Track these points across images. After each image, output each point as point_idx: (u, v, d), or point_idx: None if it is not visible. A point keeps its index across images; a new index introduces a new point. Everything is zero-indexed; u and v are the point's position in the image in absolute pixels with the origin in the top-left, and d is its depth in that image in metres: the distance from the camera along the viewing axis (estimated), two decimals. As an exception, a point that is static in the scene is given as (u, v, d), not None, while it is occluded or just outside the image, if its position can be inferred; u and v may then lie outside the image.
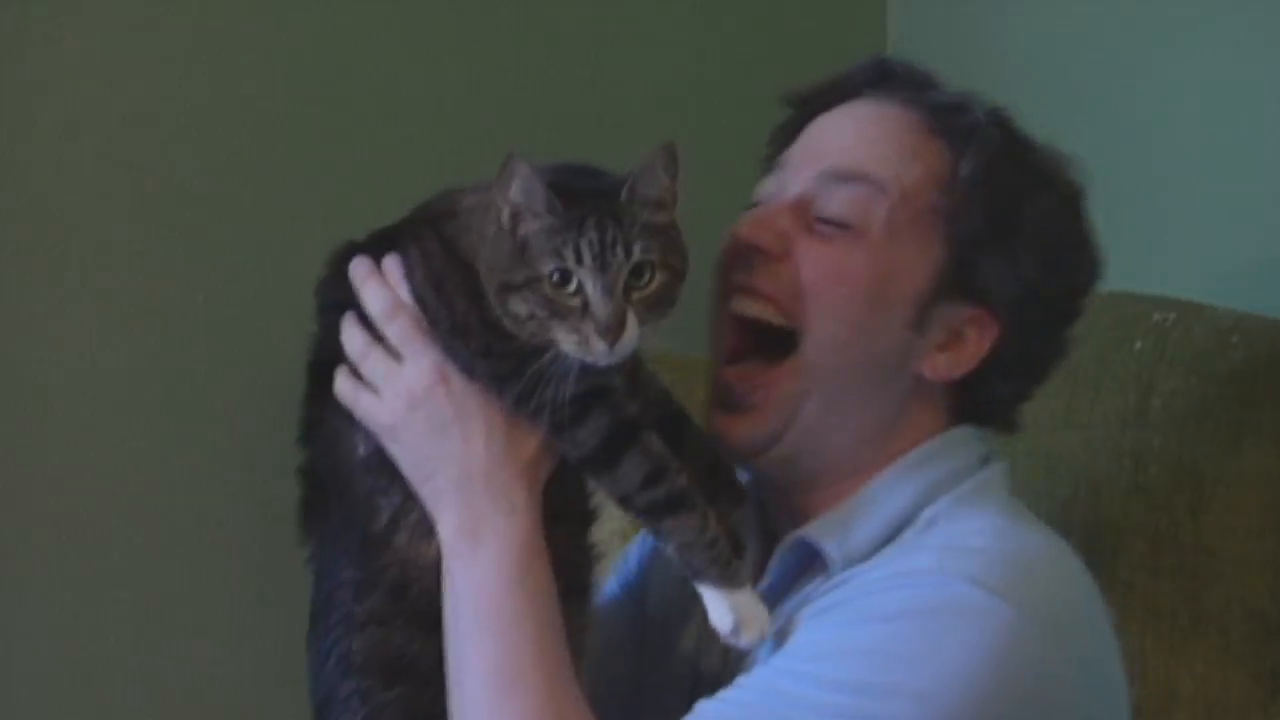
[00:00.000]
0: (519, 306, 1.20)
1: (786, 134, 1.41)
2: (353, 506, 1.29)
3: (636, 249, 1.19)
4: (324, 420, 1.31)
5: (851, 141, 1.35)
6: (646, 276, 1.20)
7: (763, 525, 1.37)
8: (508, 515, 1.23)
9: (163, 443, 1.97)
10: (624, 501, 1.24)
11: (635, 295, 1.20)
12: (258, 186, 2.03)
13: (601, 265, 1.18)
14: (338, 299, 1.30)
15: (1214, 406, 1.64)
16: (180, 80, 1.99)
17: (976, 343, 1.33)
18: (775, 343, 1.31)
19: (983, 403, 1.36)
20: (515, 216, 1.21)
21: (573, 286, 1.19)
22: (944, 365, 1.33)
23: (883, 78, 1.39)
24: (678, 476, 1.23)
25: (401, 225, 1.31)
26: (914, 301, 1.31)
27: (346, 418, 1.29)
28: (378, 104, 2.11)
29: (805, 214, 1.32)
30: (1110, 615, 1.27)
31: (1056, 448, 1.69)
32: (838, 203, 1.31)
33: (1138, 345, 1.70)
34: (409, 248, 1.28)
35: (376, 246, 1.30)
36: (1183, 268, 1.98)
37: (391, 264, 1.27)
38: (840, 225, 1.31)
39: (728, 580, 1.21)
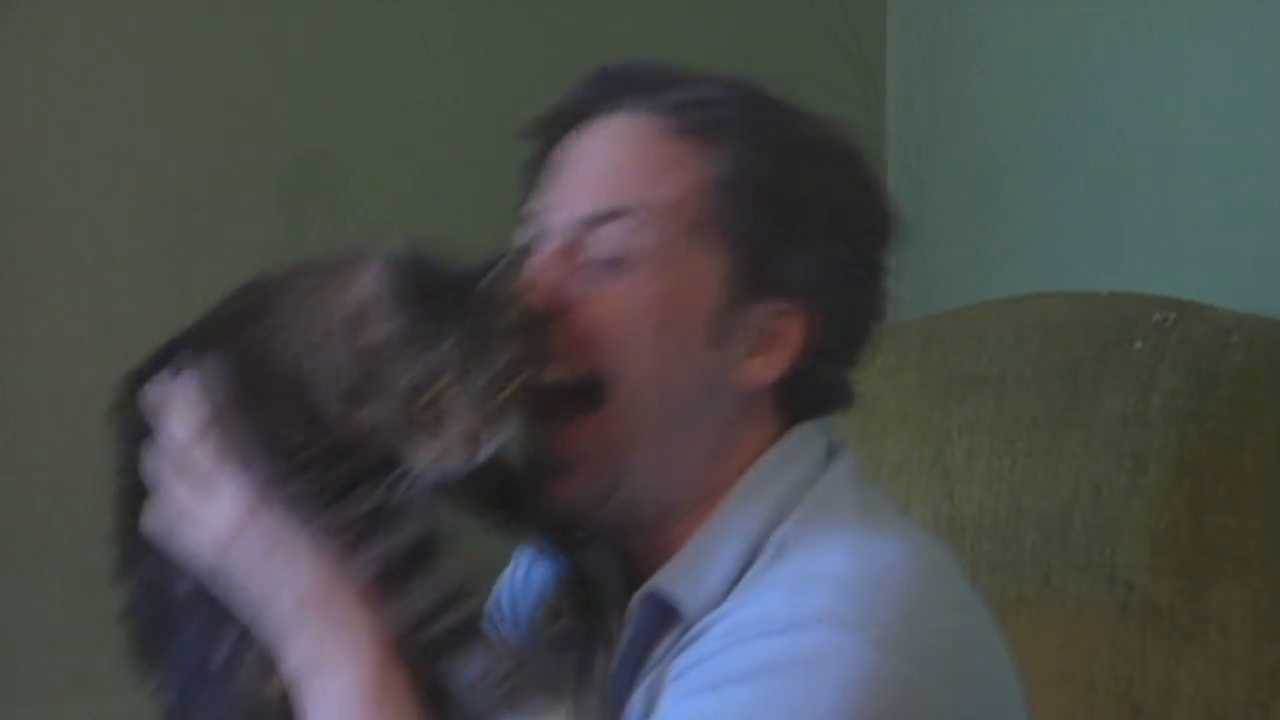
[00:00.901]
0: (367, 416, 1.08)
1: (533, 170, 1.31)
2: (186, 647, 1.17)
3: (501, 352, 1.09)
4: (140, 555, 1.20)
5: (596, 175, 1.25)
6: (508, 379, 1.09)
7: (625, 578, 1.27)
8: (352, 642, 1.13)
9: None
10: (409, 633, 1.11)
11: (499, 399, 1.09)
12: (258, 187, 2.03)
13: (463, 372, 1.07)
14: (134, 426, 1.19)
15: (1214, 406, 1.64)
16: (180, 80, 1.99)
17: (789, 336, 1.24)
18: (582, 397, 1.22)
19: (813, 391, 1.27)
20: (361, 314, 1.08)
21: (432, 395, 1.07)
22: (760, 370, 1.24)
23: (613, 89, 1.29)
24: (471, 602, 1.12)
25: (199, 331, 1.18)
26: (711, 317, 1.22)
27: (163, 553, 1.17)
28: (378, 104, 2.11)
29: (572, 259, 1.23)
30: (983, 602, 1.21)
31: (1056, 448, 1.69)
32: (602, 242, 1.22)
33: (1138, 345, 1.69)
34: (205, 362, 1.15)
35: (171, 363, 1.17)
36: (1183, 268, 1.98)
37: (187, 385, 1.16)
38: (612, 262, 1.22)
39: None
